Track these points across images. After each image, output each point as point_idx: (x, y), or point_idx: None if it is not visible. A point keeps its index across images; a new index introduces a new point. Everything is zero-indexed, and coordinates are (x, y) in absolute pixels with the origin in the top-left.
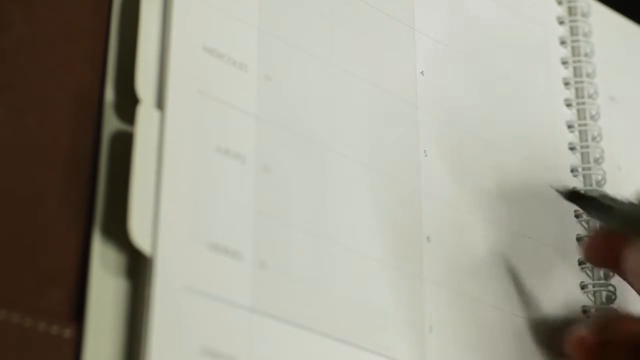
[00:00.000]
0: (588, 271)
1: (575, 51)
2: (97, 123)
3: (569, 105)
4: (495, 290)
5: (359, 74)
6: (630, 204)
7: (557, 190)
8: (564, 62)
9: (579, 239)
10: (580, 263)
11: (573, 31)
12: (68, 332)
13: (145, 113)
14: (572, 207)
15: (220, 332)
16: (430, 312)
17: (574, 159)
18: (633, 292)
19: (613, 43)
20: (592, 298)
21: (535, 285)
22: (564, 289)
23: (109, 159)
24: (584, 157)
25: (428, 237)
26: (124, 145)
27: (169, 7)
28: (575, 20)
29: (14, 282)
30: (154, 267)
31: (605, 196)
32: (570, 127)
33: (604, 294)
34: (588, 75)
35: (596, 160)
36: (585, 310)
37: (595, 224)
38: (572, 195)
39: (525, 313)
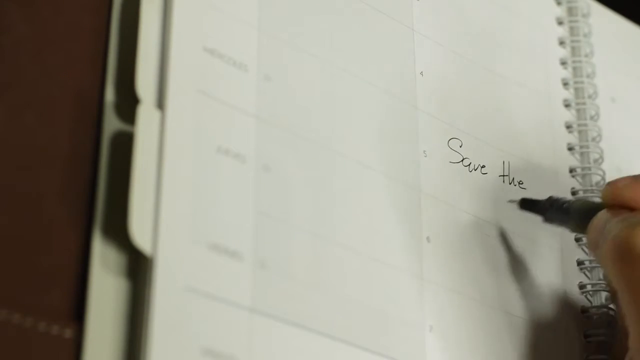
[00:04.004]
0: (587, 272)
1: (575, 51)
2: (97, 123)
3: (567, 105)
4: (495, 291)
5: (358, 74)
6: (580, 199)
7: (511, 202)
8: (563, 63)
9: (577, 239)
10: (579, 264)
11: (573, 32)
12: (68, 332)
13: (146, 113)
14: None
15: (220, 332)
16: (430, 312)
17: (573, 160)
18: None
19: (613, 44)
20: (591, 299)
21: (534, 285)
22: (563, 289)
23: (109, 159)
24: (583, 157)
25: (428, 237)
26: (124, 145)
27: (169, 7)
28: (575, 21)
29: (15, 282)
30: (154, 267)
31: (557, 198)
32: (569, 127)
33: (602, 294)
34: (588, 76)
35: (595, 161)
36: (584, 311)
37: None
38: (525, 203)
39: (524, 313)
